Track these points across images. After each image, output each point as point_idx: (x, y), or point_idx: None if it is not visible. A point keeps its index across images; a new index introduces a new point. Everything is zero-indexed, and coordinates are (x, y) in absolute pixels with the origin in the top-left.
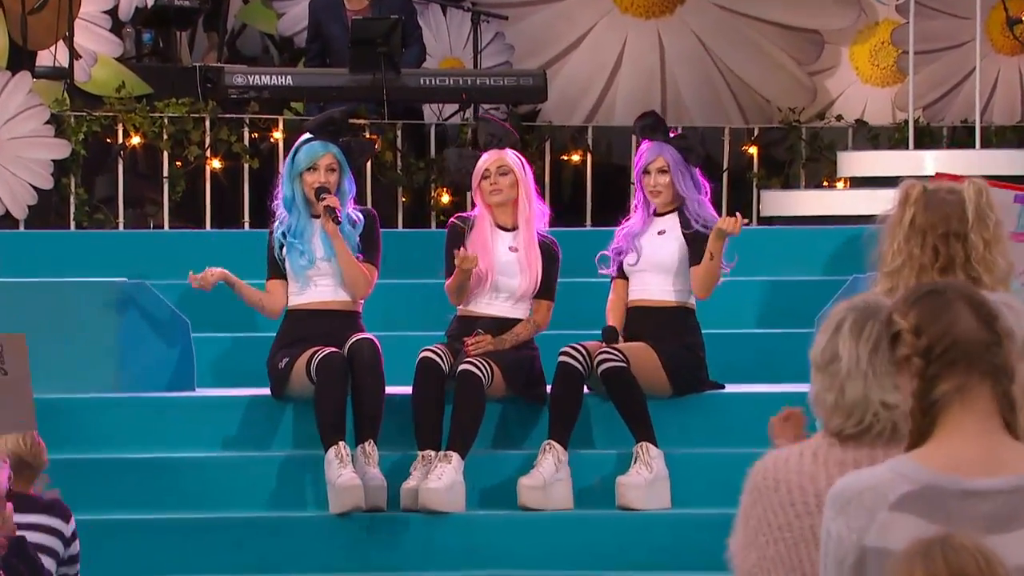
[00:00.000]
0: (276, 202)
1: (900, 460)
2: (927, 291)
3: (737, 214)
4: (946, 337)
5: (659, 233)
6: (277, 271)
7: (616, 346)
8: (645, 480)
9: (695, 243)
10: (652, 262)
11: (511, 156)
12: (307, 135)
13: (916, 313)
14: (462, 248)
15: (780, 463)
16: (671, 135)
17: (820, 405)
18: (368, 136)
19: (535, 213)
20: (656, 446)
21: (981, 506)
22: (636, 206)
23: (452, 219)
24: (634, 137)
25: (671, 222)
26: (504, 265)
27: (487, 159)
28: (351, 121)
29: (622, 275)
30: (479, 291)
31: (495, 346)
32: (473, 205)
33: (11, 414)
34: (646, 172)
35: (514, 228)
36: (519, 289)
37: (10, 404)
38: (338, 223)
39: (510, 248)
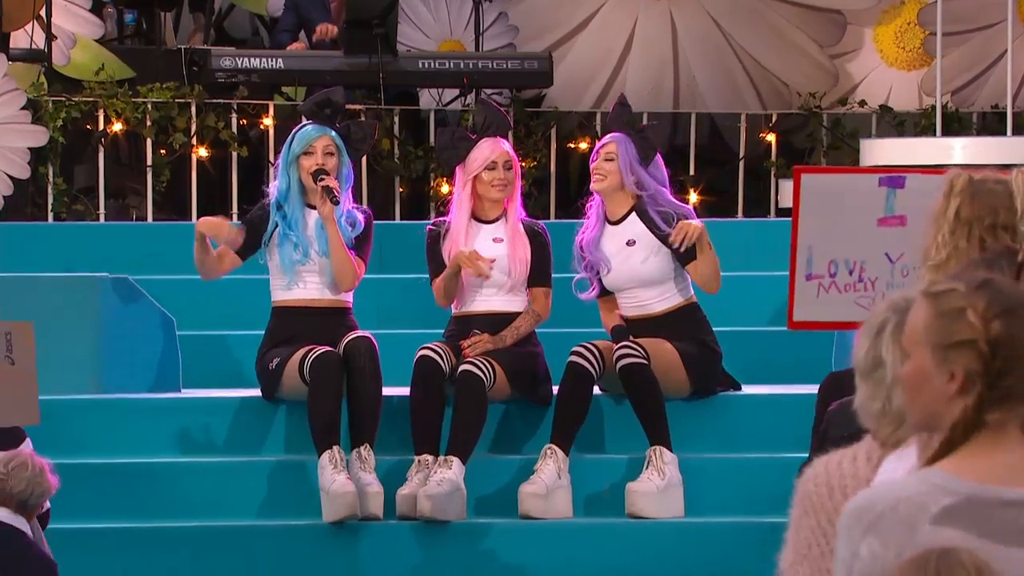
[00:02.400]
0: (270, 194)
1: (930, 472)
2: (1015, 303)
3: (678, 231)
4: (1020, 368)
5: (628, 244)
6: (248, 249)
7: (637, 340)
8: (657, 487)
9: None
10: (637, 279)
11: (510, 148)
12: (303, 120)
13: (1001, 327)
14: (473, 254)
15: (832, 468)
16: (638, 125)
17: (867, 413)
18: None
19: (519, 203)
20: (671, 451)
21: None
22: (588, 210)
23: (428, 227)
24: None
25: (636, 228)
26: (493, 255)
27: (493, 151)
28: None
29: (605, 292)
30: (469, 290)
31: (495, 344)
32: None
33: (15, 406)
34: (597, 154)
35: (496, 219)
36: (510, 280)
37: (15, 396)
38: (336, 203)
39: (494, 240)
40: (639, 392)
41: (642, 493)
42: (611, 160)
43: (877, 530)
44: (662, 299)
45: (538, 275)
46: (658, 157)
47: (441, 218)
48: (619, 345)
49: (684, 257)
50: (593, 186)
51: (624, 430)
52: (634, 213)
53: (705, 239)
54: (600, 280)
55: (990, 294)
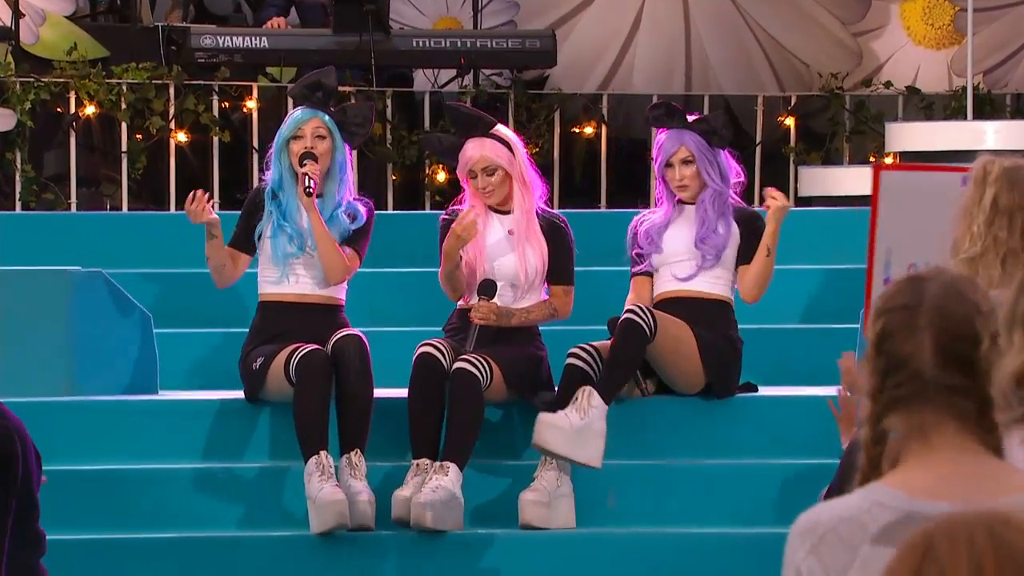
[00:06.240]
0: (265, 181)
1: (874, 488)
2: (904, 302)
3: (770, 191)
4: (902, 368)
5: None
6: (244, 244)
7: (655, 311)
8: (571, 425)
9: (742, 240)
10: (684, 256)
11: (494, 147)
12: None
13: (883, 324)
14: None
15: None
16: (689, 118)
17: None
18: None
19: (532, 193)
20: (607, 404)
21: None
22: (660, 198)
23: (443, 215)
24: (652, 128)
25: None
26: (500, 249)
27: (472, 157)
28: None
29: (643, 272)
30: (475, 280)
31: (498, 316)
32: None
33: None
34: (669, 165)
35: (510, 211)
36: (521, 274)
37: None
38: (309, 195)
39: (509, 232)
40: (621, 345)
41: (550, 424)
42: (689, 162)
43: (818, 552)
44: (702, 281)
45: (557, 272)
46: (725, 154)
47: (456, 207)
48: (630, 306)
49: (744, 258)
50: (683, 195)
51: (630, 435)
52: (697, 207)
53: (775, 237)
54: (647, 260)
55: (887, 292)
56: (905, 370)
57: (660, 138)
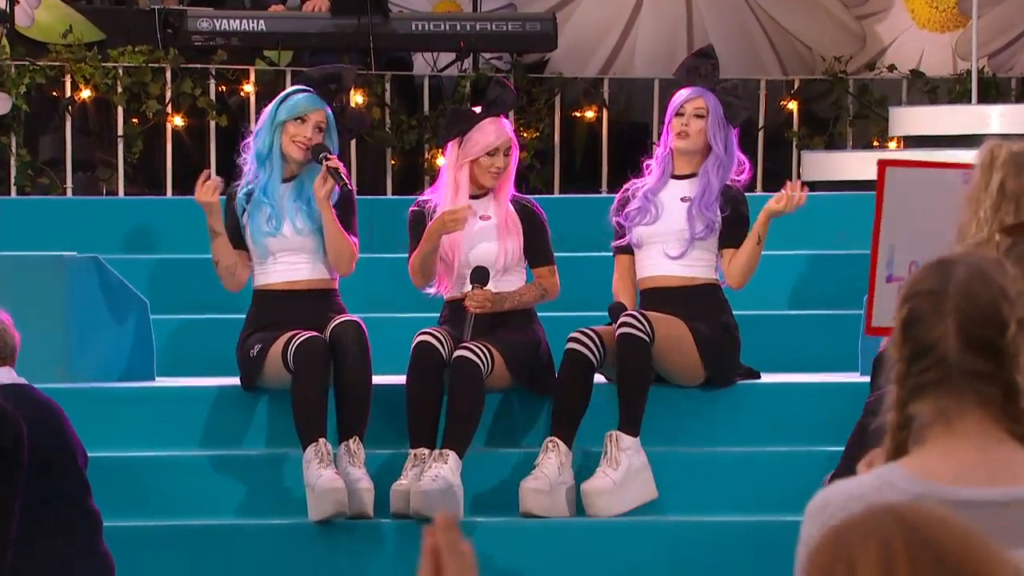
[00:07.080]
0: (244, 156)
1: (888, 468)
2: (929, 287)
3: (800, 183)
4: (927, 354)
5: (681, 200)
6: (242, 242)
7: (648, 313)
8: (614, 481)
9: (725, 223)
10: (673, 231)
11: (511, 130)
12: (300, 85)
13: (909, 310)
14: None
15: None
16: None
17: None
18: (360, 102)
19: (511, 181)
20: (636, 436)
21: (979, 519)
22: (652, 163)
23: (413, 207)
24: (653, 84)
25: (694, 189)
26: (477, 234)
27: (498, 136)
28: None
29: (625, 249)
30: (454, 267)
31: (493, 303)
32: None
33: None
34: (679, 114)
35: (483, 195)
36: (499, 259)
37: None
38: (350, 190)
39: (481, 217)
40: (628, 365)
41: (598, 492)
42: (701, 117)
43: None
44: (687, 266)
45: (538, 255)
46: (734, 136)
47: (426, 196)
48: (625, 313)
49: (728, 240)
50: (680, 144)
51: None
52: (700, 174)
53: (766, 229)
54: (630, 233)
55: (915, 276)
56: (931, 356)
57: (681, 92)
